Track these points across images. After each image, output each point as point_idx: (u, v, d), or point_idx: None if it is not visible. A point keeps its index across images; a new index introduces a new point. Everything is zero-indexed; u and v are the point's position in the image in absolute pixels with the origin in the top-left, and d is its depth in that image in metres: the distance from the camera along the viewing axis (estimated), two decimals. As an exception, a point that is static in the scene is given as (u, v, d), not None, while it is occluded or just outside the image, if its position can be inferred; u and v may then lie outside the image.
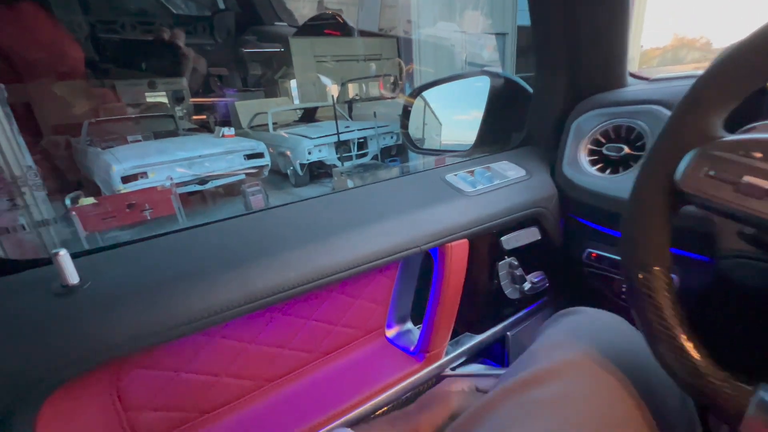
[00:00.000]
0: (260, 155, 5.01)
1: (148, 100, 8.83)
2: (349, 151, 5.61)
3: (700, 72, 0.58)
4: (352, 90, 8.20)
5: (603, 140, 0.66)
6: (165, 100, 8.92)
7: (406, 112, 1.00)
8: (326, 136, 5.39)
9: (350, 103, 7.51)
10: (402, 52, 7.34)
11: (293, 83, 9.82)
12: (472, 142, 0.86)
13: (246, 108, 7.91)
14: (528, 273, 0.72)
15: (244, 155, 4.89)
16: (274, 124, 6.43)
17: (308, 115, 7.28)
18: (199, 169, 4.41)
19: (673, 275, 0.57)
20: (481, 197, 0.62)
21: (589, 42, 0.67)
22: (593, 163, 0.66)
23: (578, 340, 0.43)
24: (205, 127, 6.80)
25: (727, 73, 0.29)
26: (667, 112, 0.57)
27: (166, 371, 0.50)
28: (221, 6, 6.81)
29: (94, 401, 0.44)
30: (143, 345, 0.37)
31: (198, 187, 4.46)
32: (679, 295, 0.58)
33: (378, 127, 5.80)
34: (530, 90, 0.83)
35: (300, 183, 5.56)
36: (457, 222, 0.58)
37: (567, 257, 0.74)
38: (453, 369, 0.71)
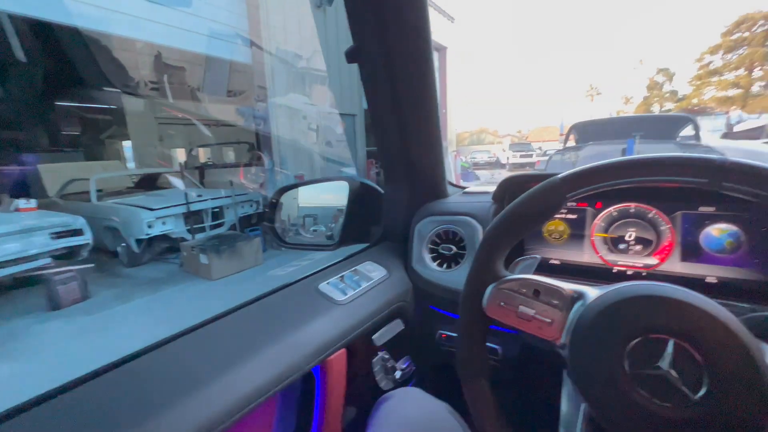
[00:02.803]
0: (78, 232, 4.03)
1: None
2: (202, 222, 5.07)
3: (493, 189, 0.80)
4: (204, 155, 7.68)
5: (438, 240, 0.82)
6: None
7: (272, 208, 1.01)
8: (172, 206, 4.75)
9: (201, 169, 6.96)
10: (255, 119, 7.35)
11: (126, 145, 8.59)
12: (338, 238, 0.93)
13: (56, 172, 6.42)
14: (397, 361, 0.79)
15: (50, 233, 3.85)
16: (99, 191, 5.35)
17: (147, 182, 6.36)
18: (-30, 256, 3.22)
19: (496, 346, 0.73)
20: (352, 303, 0.66)
21: (418, 159, 0.84)
22: (434, 259, 0.81)
23: (401, 428, 0.49)
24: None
25: (499, 233, 0.44)
26: (476, 224, 0.77)
27: None
28: (22, 58, 5.30)
29: None
30: None
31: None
32: (502, 362, 0.74)
33: (236, 195, 5.49)
34: (382, 192, 0.96)
35: (135, 262, 4.64)
36: (335, 332, 0.59)
37: (427, 340, 0.84)
38: None
